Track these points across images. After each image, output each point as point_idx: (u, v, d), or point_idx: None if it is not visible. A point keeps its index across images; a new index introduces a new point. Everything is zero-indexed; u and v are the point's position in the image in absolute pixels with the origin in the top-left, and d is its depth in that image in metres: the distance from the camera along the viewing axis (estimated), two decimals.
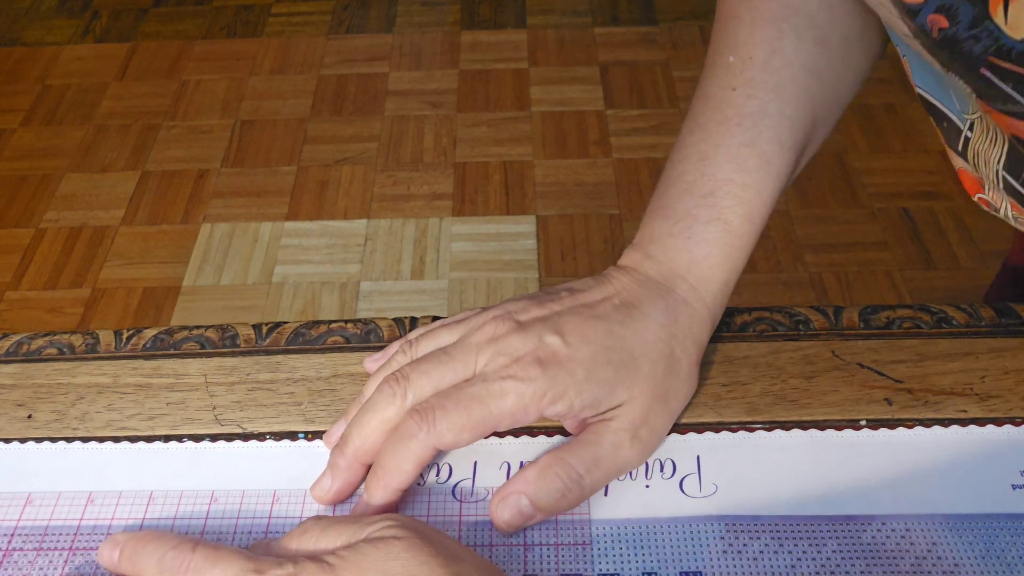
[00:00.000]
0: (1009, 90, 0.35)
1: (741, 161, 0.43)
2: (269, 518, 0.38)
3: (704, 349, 0.42)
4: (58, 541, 0.38)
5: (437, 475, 0.40)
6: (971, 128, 0.43)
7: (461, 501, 0.39)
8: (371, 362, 0.43)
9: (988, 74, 0.35)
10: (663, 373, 0.39)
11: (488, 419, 0.37)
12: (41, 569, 0.37)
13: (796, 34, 0.44)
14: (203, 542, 0.33)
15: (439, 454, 0.40)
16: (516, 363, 0.38)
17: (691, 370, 0.41)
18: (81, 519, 0.39)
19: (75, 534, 0.38)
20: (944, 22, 0.34)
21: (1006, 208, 0.45)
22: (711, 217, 0.42)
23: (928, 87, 0.44)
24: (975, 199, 0.48)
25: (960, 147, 0.45)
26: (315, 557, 0.32)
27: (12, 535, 0.38)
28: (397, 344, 0.43)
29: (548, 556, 0.36)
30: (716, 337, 0.44)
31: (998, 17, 0.32)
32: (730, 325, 0.45)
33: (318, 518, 0.35)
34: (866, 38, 0.46)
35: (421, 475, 0.39)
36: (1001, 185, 0.44)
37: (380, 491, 0.37)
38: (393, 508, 0.38)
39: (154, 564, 0.33)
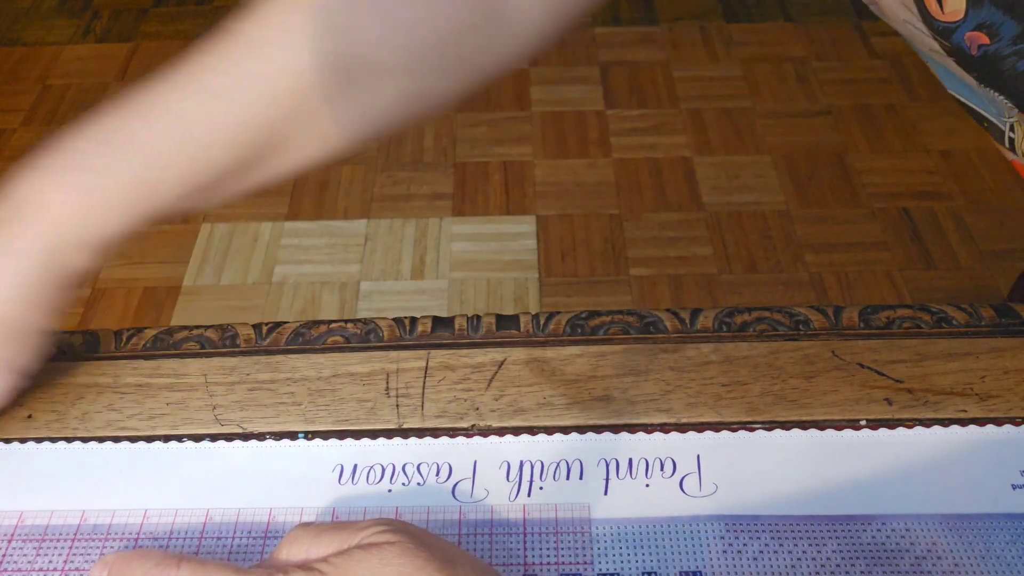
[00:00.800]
0: None
1: (161, 130, 0.40)
2: (265, 537, 0.38)
3: (37, 304, 0.39)
4: (51, 561, 0.38)
5: (437, 475, 0.40)
6: (1012, 129, 0.43)
7: (460, 501, 0.39)
8: None
9: None
10: None
11: None
12: None
13: (297, 45, 0.41)
14: (189, 557, 0.32)
15: (438, 453, 0.40)
16: None
17: None
18: (74, 539, 0.38)
19: (66, 556, 0.38)
20: (984, 39, 0.34)
21: None
22: (96, 167, 0.39)
23: (961, 92, 0.44)
24: None
25: (1007, 144, 0.44)
26: (306, 565, 0.31)
27: (3, 558, 0.38)
28: None
29: (548, 556, 0.36)
30: (716, 337, 0.45)
31: None
32: (730, 325, 0.45)
33: (307, 525, 0.34)
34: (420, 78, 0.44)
35: (421, 475, 0.40)
36: None
37: None
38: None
39: None
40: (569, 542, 0.37)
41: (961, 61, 0.36)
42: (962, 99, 0.44)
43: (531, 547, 0.37)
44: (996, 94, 0.37)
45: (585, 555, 0.36)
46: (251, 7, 0.42)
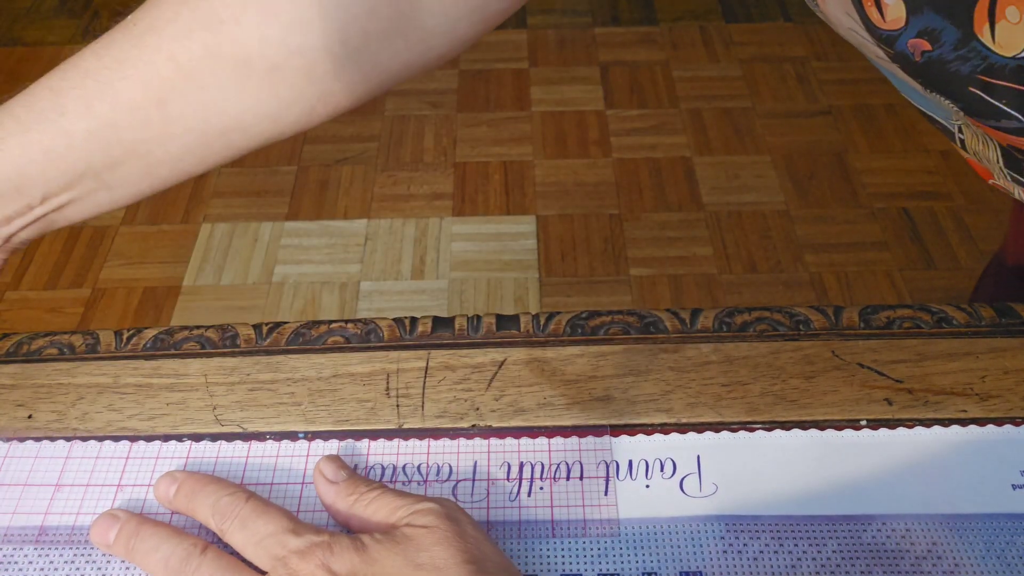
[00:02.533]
0: (1003, 106, 0.35)
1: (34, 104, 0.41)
2: (305, 469, 0.40)
3: None
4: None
5: (437, 475, 0.40)
6: (961, 131, 0.43)
7: (461, 502, 0.39)
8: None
9: (978, 92, 0.35)
10: None
11: None
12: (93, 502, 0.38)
13: (179, 35, 0.41)
14: (256, 496, 0.36)
15: (438, 453, 0.40)
16: None
17: None
18: (124, 470, 0.40)
19: (118, 484, 0.40)
20: (927, 45, 0.34)
21: (1019, 192, 0.46)
22: None
23: (911, 96, 0.44)
24: (990, 184, 0.48)
25: (959, 145, 0.45)
26: (353, 535, 0.34)
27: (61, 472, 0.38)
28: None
29: (548, 556, 0.36)
30: (716, 337, 0.45)
31: (984, 37, 0.32)
32: (730, 325, 0.45)
33: (380, 485, 0.37)
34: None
35: (421, 474, 0.40)
36: (1008, 177, 0.44)
37: None
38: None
39: (209, 506, 0.36)
40: (568, 543, 0.37)
41: (906, 67, 0.36)
42: (914, 103, 0.44)
43: (531, 547, 0.37)
44: (942, 99, 0.37)
45: (585, 555, 0.36)
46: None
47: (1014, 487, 0.38)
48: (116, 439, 0.41)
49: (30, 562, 0.37)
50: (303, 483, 0.39)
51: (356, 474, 0.38)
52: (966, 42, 0.33)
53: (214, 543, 0.36)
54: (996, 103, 0.35)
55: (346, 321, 0.46)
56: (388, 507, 0.35)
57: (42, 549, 0.38)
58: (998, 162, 0.43)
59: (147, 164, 0.43)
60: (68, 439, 0.41)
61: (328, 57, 0.42)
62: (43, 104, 0.41)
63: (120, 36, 0.41)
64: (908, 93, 0.44)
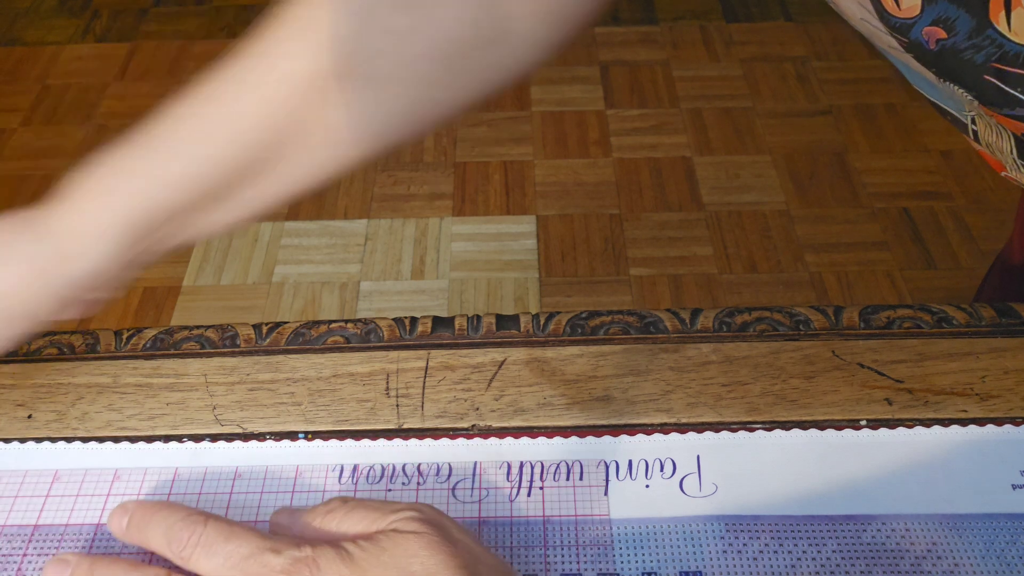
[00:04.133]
0: (1017, 94, 0.35)
1: (166, 157, 0.43)
2: (292, 492, 0.39)
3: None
4: (90, 503, 0.38)
5: (437, 475, 0.40)
6: (973, 122, 0.43)
7: (460, 502, 0.39)
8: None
9: (993, 80, 0.35)
10: None
11: None
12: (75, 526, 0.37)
13: (297, 54, 0.41)
14: (216, 516, 0.33)
15: (438, 453, 0.40)
16: None
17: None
18: (109, 493, 0.39)
19: (102, 508, 0.39)
20: (942, 33, 0.34)
21: None
22: (94, 197, 0.42)
23: (923, 87, 0.44)
24: (1002, 175, 0.48)
25: (971, 137, 0.45)
26: (335, 544, 0.32)
27: (46, 497, 0.38)
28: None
29: (548, 556, 0.36)
30: (716, 337, 0.45)
31: (1000, 24, 0.32)
32: (731, 325, 0.45)
33: (345, 499, 0.35)
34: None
35: (421, 474, 0.40)
36: (1021, 168, 0.44)
37: None
38: None
39: (162, 534, 0.33)
40: (569, 543, 0.37)
41: (919, 57, 0.36)
42: (925, 95, 0.45)
43: (530, 548, 0.37)
44: (955, 88, 0.37)
45: (585, 555, 0.36)
46: (269, 18, 0.43)
47: (1014, 487, 0.38)
48: (116, 440, 0.41)
49: (29, 562, 0.37)
50: (302, 492, 0.39)
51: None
52: (981, 30, 0.33)
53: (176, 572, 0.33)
54: (1011, 91, 0.35)
55: (346, 321, 0.46)
56: (367, 519, 0.33)
57: (41, 549, 0.38)
58: (1012, 152, 0.43)
59: (264, 183, 0.44)
60: (68, 439, 0.41)
61: (429, 68, 0.42)
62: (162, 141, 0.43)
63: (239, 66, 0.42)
64: (920, 84, 0.44)
